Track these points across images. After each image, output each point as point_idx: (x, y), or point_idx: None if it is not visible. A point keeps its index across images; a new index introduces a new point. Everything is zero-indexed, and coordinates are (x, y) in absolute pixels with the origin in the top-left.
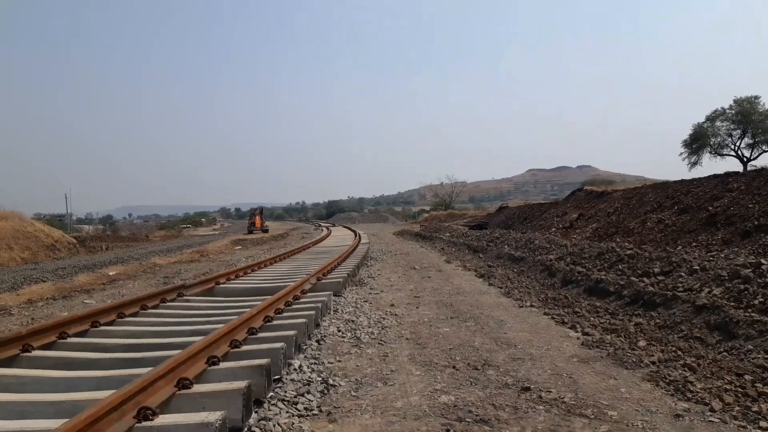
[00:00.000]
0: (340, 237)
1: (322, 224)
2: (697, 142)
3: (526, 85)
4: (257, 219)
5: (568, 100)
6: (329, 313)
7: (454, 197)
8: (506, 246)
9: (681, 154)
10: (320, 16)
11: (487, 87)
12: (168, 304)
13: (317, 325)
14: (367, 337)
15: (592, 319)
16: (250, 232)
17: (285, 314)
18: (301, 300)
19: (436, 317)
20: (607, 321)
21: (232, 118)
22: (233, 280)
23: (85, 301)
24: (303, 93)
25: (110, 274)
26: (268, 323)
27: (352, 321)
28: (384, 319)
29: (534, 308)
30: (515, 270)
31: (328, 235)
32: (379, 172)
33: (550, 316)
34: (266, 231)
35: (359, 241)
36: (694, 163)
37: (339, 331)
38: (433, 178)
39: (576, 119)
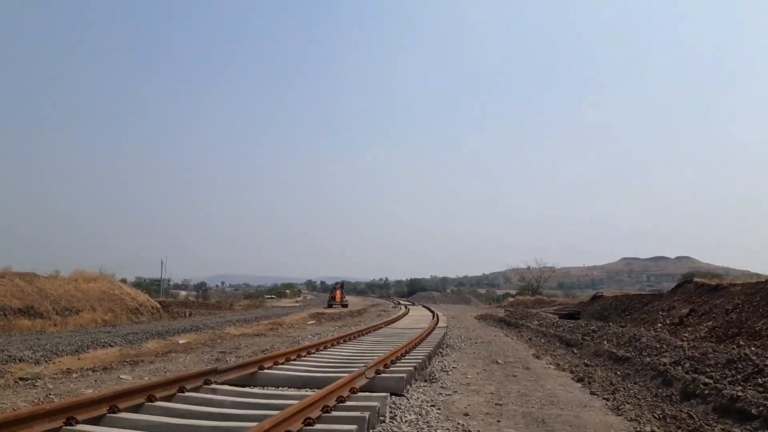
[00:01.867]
0: (417, 317)
1: (402, 302)
2: None
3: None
4: (338, 293)
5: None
6: (382, 423)
7: (542, 282)
8: (605, 342)
9: None
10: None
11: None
12: (186, 395)
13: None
14: None
15: None
16: (330, 306)
17: (317, 426)
18: (347, 404)
19: None
20: None
21: (315, 192)
22: (281, 364)
23: (121, 377)
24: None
25: (180, 342)
26: None
27: None
28: None
29: None
30: (619, 373)
31: (405, 314)
32: (465, 252)
33: None
34: (345, 306)
35: (436, 323)
36: None
37: None
38: (520, 261)
39: (677, 205)
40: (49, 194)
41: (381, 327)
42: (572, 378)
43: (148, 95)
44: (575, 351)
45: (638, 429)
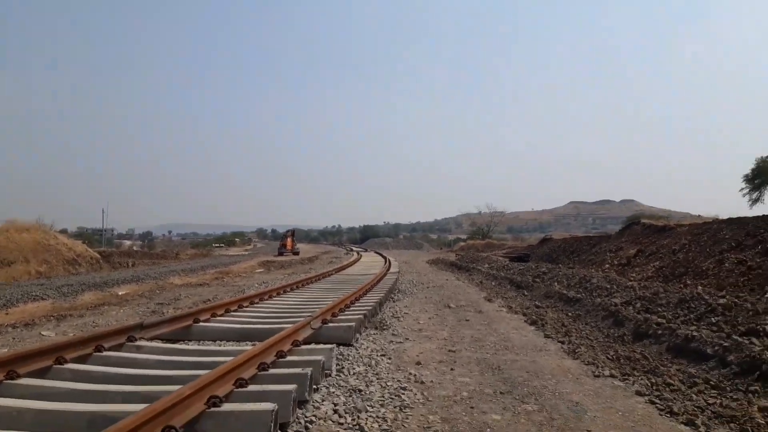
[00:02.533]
0: (368, 263)
1: (354, 249)
2: (760, 178)
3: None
4: (288, 241)
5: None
6: (328, 377)
7: (492, 227)
8: (556, 283)
9: (742, 189)
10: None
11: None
12: (105, 355)
13: (302, 404)
14: (376, 426)
15: (694, 397)
16: (281, 254)
17: (250, 388)
18: (287, 359)
19: (480, 390)
20: (718, 402)
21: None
22: (220, 316)
23: (42, 333)
24: (343, 115)
25: (119, 293)
26: (213, 408)
27: (359, 392)
28: (405, 390)
29: (616, 380)
30: (570, 314)
31: (356, 261)
32: (416, 199)
33: (645, 398)
34: (297, 253)
35: (388, 269)
36: (756, 200)
37: (335, 412)
38: (471, 206)
39: (618, 155)
40: None
41: (331, 274)
42: (525, 321)
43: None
44: (526, 293)
45: (596, 373)
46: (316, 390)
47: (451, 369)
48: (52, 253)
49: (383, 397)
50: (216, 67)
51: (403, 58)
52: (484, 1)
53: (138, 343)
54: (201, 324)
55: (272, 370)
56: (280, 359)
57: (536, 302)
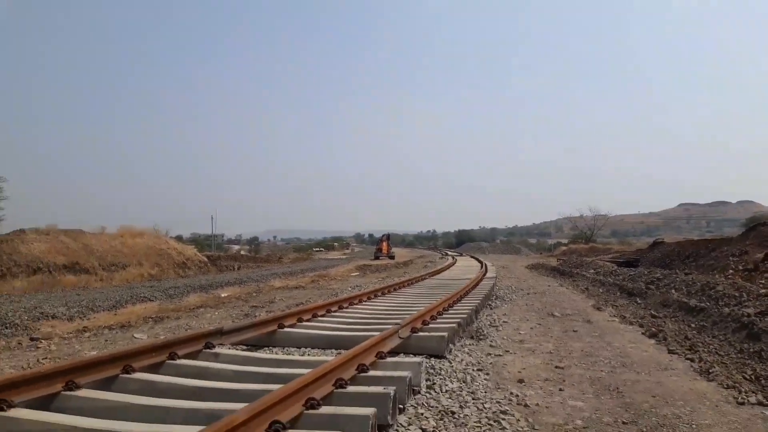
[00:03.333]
0: (464, 267)
1: (449, 253)
2: None
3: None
4: (384, 245)
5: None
6: (416, 395)
7: (595, 230)
8: (673, 290)
9: None
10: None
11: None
12: (178, 363)
13: (383, 428)
14: None
15: None
16: (377, 257)
17: (322, 410)
18: (369, 373)
19: (597, 419)
20: None
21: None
22: (307, 321)
23: (135, 336)
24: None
25: (222, 295)
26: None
27: (452, 414)
28: (506, 414)
29: (767, 409)
30: (693, 326)
31: (451, 265)
32: (514, 202)
33: None
34: (392, 257)
35: (485, 273)
36: None
37: None
38: (573, 209)
39: (735, 145)
40: (110, 154)
41: (425, 278)
42: (643, 333)
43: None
44: (639, 301)
45: (739, 399)
46: (402, 411)
47: (560, 390)
48: (164, 257)
49: (480, 422)
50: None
51: (517, 53)
52: None
53: (216, 350)
54: (286, 330)
55: (350, 388)
56: (361, 374)
57: (652, 311)
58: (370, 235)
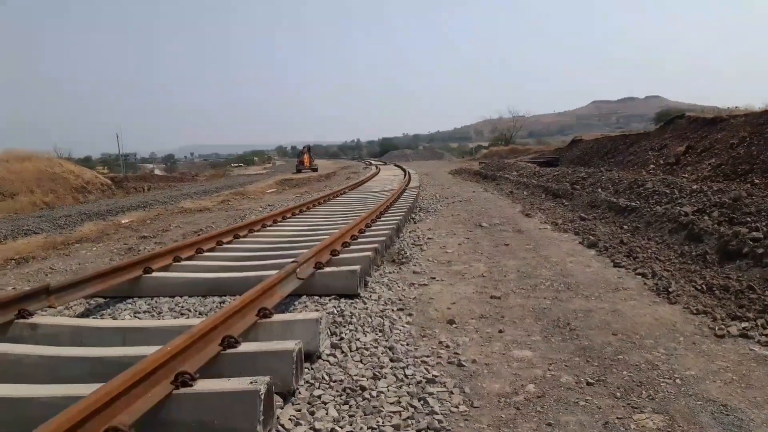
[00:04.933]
0: (387, 177)
1: (373, 162)
2: None
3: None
4: (305, 158)
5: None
6: (312, 366)
7: (515, 132)
8: (600, 189)
9: None
10: None
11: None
12: None
13: (265, 413)
14: None
15: None
16: (299, 171)
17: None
18: (239, 350)
19: (554, 379)
20: None
21: (290, 57)
22: (187, 260)
23: None
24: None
25: (123, 222)
26: None
27: (361, 392)
28: (434, 382)
29: (753, 341)
30: (626, 228)
31: (374, 175)
32: (435, 108)
33: None
34: (315, 170)
35: (408, 183)
36: None
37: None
38: (492, 111)
39: (639, 44)
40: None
41: (345, 191)
42: (580, 242)
43: None
44: (566, 203)
45: (717, 330)
46: (288, 395)
47: (500, 332)
48: (59, 182)
49: (399, 401)
50: None
51: None
52: None
53: (34, 319)
54: (155, 275)
55: (200, 385)
56: (229, 350)
57: (581, 213)
58: (293, 148)
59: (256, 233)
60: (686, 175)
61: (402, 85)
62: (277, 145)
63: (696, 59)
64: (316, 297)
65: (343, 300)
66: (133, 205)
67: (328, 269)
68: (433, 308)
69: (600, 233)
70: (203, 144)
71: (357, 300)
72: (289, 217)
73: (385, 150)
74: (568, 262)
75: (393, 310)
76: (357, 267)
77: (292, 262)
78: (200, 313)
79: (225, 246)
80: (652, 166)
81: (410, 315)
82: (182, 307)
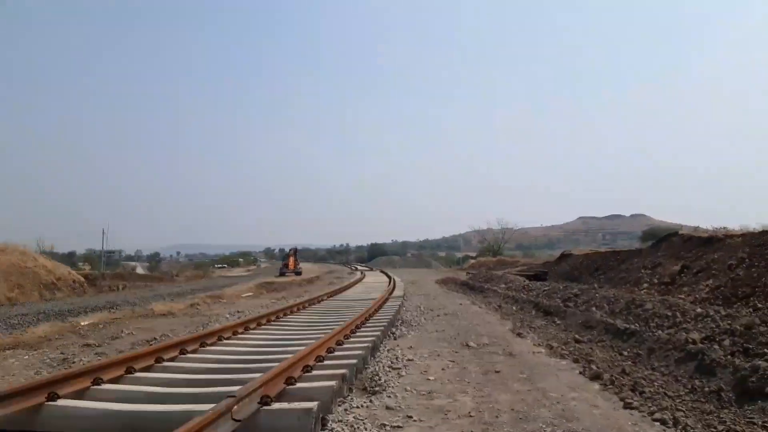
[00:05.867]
0: (371, 284)
1: (359, 268)
2: None
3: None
4: (291, 260)
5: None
6: None
7: (503, 243)
8: (594, 308)
9: None
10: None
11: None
12: None
13: None
14: None
15: None
16: (282, 274)
17: None
18: None
19: None
20: None
21: (277, 160)
22: (110, 382)
23: None
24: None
25: (83, 324)
26: None
27: None
28: None
29: None
30: (625, 354)
31: (358, 281)
32: (424, 216)
33: None
34: (299, 273)
35: (391, 291)
36: None
37: None
38: (481, 221)
39: (628, 160)
40: None
41: (323, 299)
42: (581, 372)
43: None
44: (558, 322)
45: None
46: None
47: None
48: (28, 277)
49: None
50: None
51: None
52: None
53: None
54: (61, 403)
55: None
56: None
57: (575, 335)
58: (281, 250)
59: (207, 348)
60: (683, 296)
61: (393, 193)
62: (265, 247)
63: (678, 175)
64: None
65: None
66: (99, 306)
67: (276, 406)
68: None
69: (598, 359)
70: (191, 243)
71: None
72: (253, 328)
73: (373, 255)
74: (570, 399)
75: None
76: (313, 405)
77: (229, 397)
78: None
79: (165, 364)
80: (645, 285)
81: None
82: None
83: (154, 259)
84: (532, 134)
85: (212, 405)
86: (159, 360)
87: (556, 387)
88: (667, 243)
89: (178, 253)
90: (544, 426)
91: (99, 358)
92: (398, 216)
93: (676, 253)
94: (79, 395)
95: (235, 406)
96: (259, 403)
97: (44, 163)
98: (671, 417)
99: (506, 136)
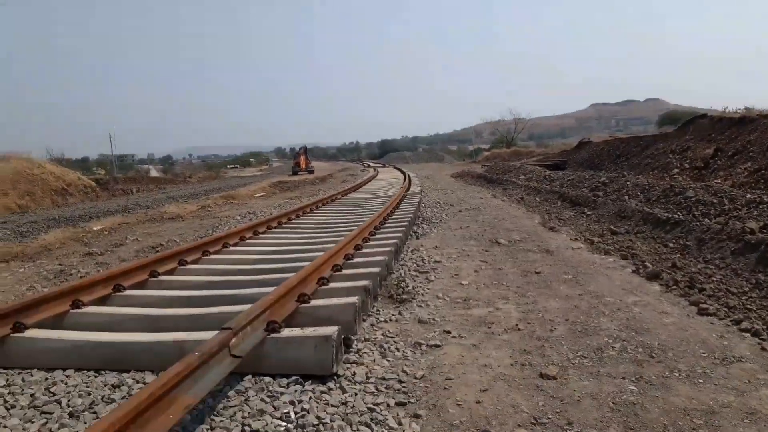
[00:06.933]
0: (385, 181)
1: (371, 164)
2: None
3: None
4: (302, 159)
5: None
6: None
7: (516, 135)
8: (627, 197)
9: None
10: None
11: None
12: None
13: None
14: None
15: None
16: (295, 173)
17: None
18: None
19: None
20: None
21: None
22: (106, 300)
23: None
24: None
25: (95, 229)
26: None
27: None
28: None
29: None
30: (672, 247)
31: (372, 178)
32: (434, 110)
33: None
34: (311, 172)
35: (408, 188)
36: None
37: None
38: (492, 113)
39: (645, 40)
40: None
41: (337, 198)
42: (633, 270)
43: None
44: (588, 212)
45: None
46: None
47: None
48: (37, 184)
49: None
50: None
51: None
52: None
53: None
54: (29, 334)
55: None
56: None
57: (610, 226)
58: (292, 149)
59: (210, 257)
60: (719, 181)
61: (402, 87)
62: (275, 147)
63: (691, 55)
64: (269, 378)
65: (307, 385)
66: (110, 210)
67: (286, 333)
68: (454, 401)
69: (641, 252)
70: (203, 146)
71: (330, 382)
72: (263, 232)
73: (384, 152)
74: (631, 305)
75: (389, 405)
76: (332, 331)
77: (224, 329)
78: None
79: (160, 279)
80: (675, 170)
81: (417, 417)
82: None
83: (167, 162)
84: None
85: (210, 333)
86: (153, 274)
87: (609, 290)
88: (695, 126)
89: (190, 155)
90: (610, 341)
91: (99, 269)
92: (408, 111)
93: (706, 136)
94: (57, 321)
95: (234, 339)
96: (265, 330)
97: (51, 72)
98: (765, 327)
99: (514, 14)
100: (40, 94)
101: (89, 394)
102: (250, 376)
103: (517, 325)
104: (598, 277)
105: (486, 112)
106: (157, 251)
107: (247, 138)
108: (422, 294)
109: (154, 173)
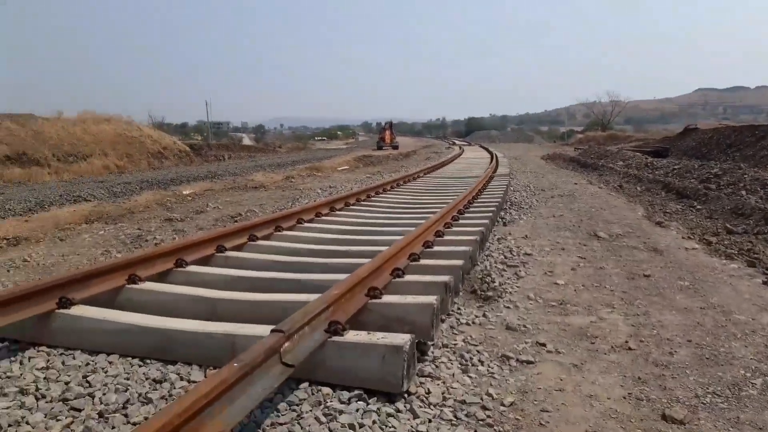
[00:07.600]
0: (471, 160)
1: (457, 142)
2: None
3: None
4: (387, 134)
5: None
6: None
7: (612, 117)
8: (744, 192)
9: None
10: None
11: None
12: None
13: None
14: None
15: None
16: (380, 147)
17: None
18: None
19: None
20: None
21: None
22: (168, 274)
23: None
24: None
25: (185, 193)
26: None
27: None
28: None
29: None
30: None
31: (457, 157)
32: (525, 89)
33: None
34: (396, 147)
35: (495, 169)
36: None
37: None
38: (588, 94)
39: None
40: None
41: (420, 175)
42: (763, 281)
43: None
44: (698, 207)
45: None
46: None
47: None
48: (135, 146)
49: None
50: None
51: None
52: None
53: None
54: (73, 312)
55: None
56: None
57: (726, 224)
58: (378, 124)
59: (282, 233)
60: None
61: (492, 65)
62: (362, 121)
63: None
64: (327, 390)
65: (372, 402)
66: (202, 175)
67: (350, 337)
68: None
69: (766, 258)
70: (294, 116)
71: (399, 401)
72: (340, 209)
73: (471, 130)
74: (765, 319)
75: None
76: (405, 340)
77: (275, 331)
78: None
79: (227, 254)
80: None
81: None
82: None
83: (259, 131)
84: None
85: (266, 329)
86: (220, 249)
87: (738, 305)
88: None
89: (281, 125)
90: (748, 375)
91: (175, 236)
92: (498, 89)
93: None
94: (111, 295)
95: (286, 343)
96: (326, 331)
97: (159, 37)
98: None
99: None
100: (146, 53)
101: (126, 390)
102: (306, 384)
103: (627, 342)
104: (721, 287)
105: (581, 94)
106: (236, 221)
107: (336, 111)
108: (510, 293)
109: (246, 141)
